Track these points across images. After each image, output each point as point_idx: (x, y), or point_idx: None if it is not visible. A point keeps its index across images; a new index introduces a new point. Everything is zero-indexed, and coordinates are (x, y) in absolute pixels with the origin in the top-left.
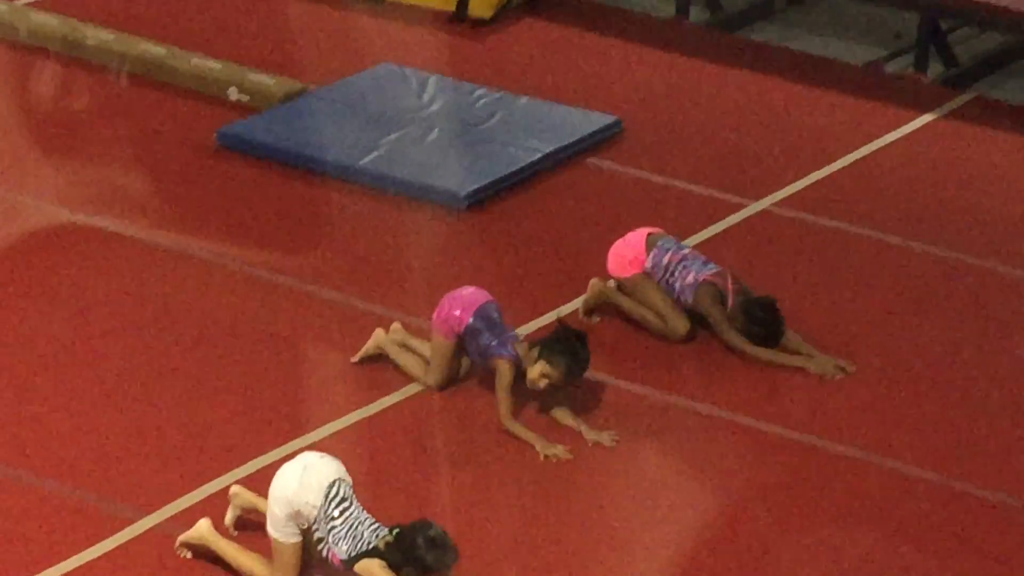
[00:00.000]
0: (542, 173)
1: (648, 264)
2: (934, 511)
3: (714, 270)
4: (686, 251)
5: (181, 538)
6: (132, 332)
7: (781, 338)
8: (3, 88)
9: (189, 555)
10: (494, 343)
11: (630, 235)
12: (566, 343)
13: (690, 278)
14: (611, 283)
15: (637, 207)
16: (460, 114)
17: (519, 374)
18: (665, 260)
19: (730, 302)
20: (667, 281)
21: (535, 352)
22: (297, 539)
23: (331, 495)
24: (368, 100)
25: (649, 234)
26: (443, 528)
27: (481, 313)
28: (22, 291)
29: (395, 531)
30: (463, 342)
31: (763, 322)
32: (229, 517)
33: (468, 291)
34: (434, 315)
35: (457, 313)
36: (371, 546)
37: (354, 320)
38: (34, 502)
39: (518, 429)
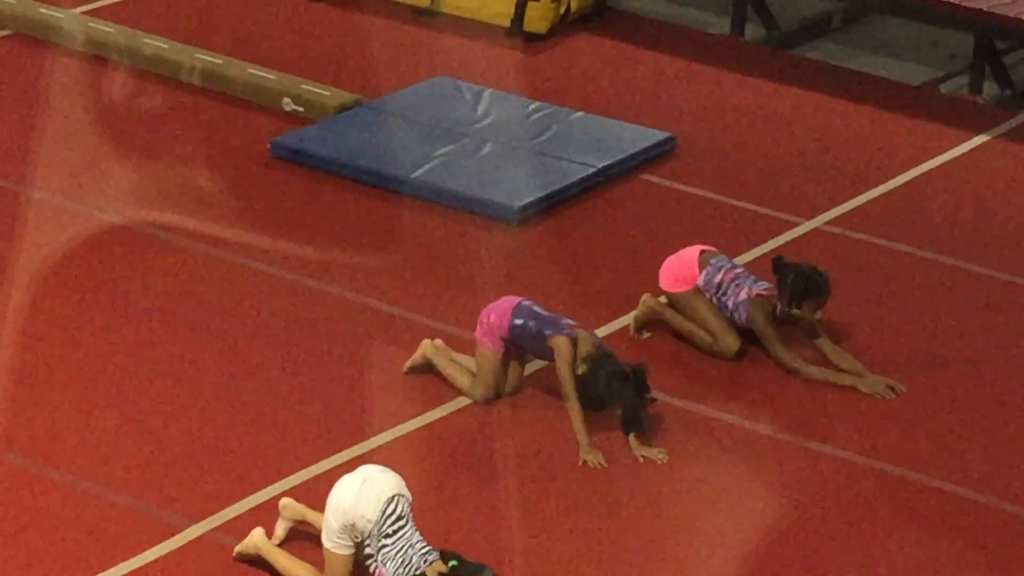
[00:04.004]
0: (595, 188)
1: (701, 281)
2: (983, 532)
3: (766, 286)
4: (739, 270)
5: (238, 549)
6: (184, 340)
7: (823, 296)
8: (59, 96)
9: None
10: (545, 327)
11: (683, 251)
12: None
13: (743, 294)
14: (662, 299)
15: (689, 224)
16: (514, 128)
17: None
18: (718, 278)
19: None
20: (719, 299)
21: (588, 361)
22: (349, 551)
23: (387, 511)
24: (422, 113)
25: (702, 251)
26: (496, 574)
27: (519, 312)
28: (77, 298)
29: (451, 564)
30: (514, 346)
31: (802, 277)
32: (280, 529)
33: (503, 300)
34: (476, 331)
35: (494, 318)
36: (419, 572)
37: (406, 332)
38: (87, 508)
39: (576, 416)
